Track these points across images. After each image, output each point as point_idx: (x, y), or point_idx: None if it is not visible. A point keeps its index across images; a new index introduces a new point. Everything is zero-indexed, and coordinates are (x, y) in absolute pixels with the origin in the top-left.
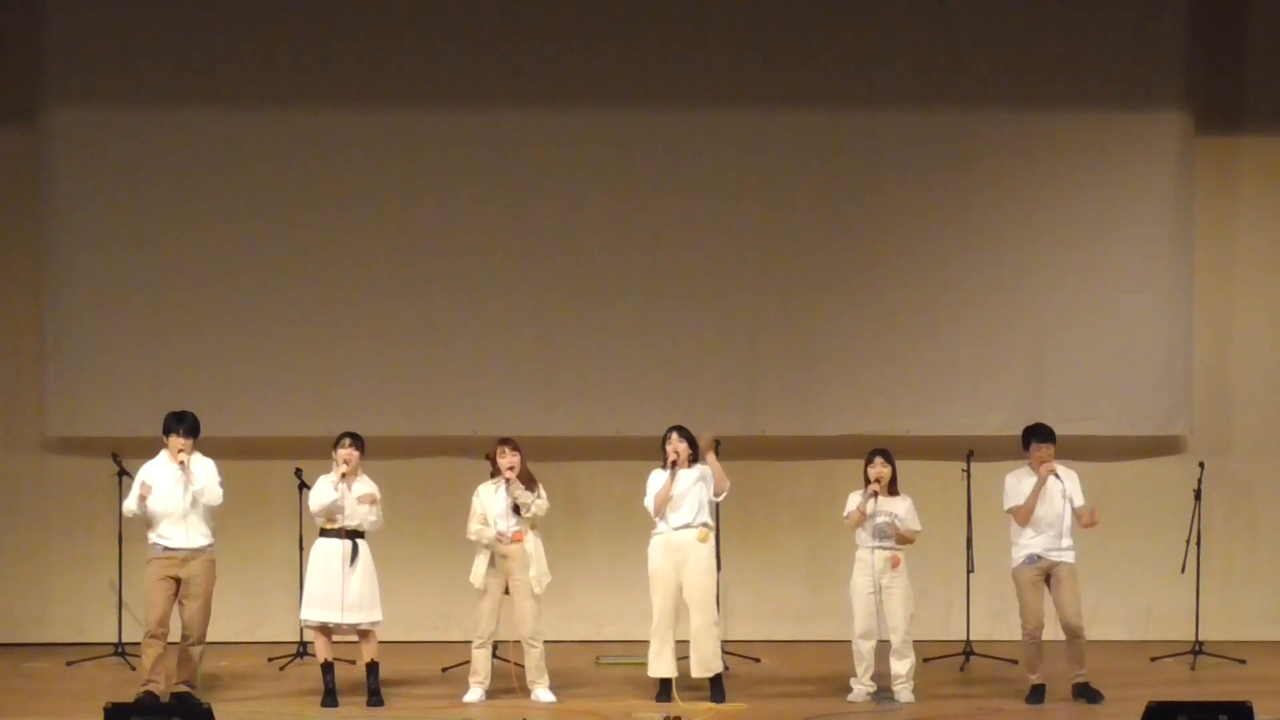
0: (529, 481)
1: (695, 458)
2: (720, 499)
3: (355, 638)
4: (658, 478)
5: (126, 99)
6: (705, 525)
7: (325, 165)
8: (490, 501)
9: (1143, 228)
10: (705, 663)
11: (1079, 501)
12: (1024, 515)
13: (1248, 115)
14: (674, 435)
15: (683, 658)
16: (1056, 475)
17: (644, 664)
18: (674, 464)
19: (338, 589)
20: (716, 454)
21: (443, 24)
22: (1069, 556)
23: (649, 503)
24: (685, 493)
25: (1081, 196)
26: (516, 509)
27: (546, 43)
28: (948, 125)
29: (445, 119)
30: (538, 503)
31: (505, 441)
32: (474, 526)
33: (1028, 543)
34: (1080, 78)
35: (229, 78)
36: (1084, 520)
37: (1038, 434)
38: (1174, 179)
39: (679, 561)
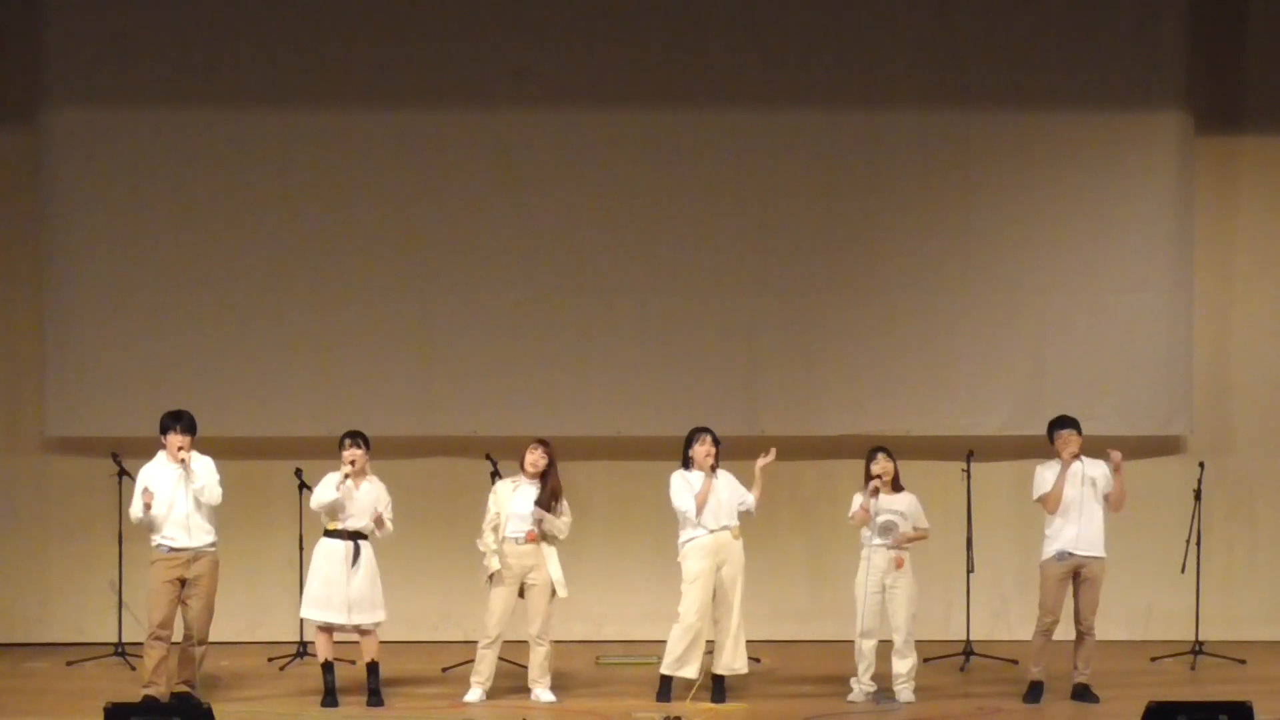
0: (555, 491)
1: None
2: (754, 513)
3: (356, 637)
4: (684, 479)
5: (126, 99)
6: (736, 524)
7: (325, 165)
8: (506, 499)
9: (1143, 228)
10: (735, 662)
11: (1111, 490)
12: (1053, 501)
13: (1248, 115)
14: (708, 439)
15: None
16: (1078, 458)
17: (644, 664)
18: (714, 468)
19: (340, 590)
20: (716, 462)
21: (443, 24)
22: (1098, 551)
23: (686, 505)
24: (722, 494)
25: (1081, 196)
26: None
27: (547, 43)
28: (948, 125)
29: (445, 119)
30: (562, 528)
31: (540, 442)
32: (487, 538)
33: (1059, 536)
34: (1080, 78)
35: (229, 78)
36: (1114, 502)
37: (1060, 423)
38: (1174, 179)
39: (720, 562)
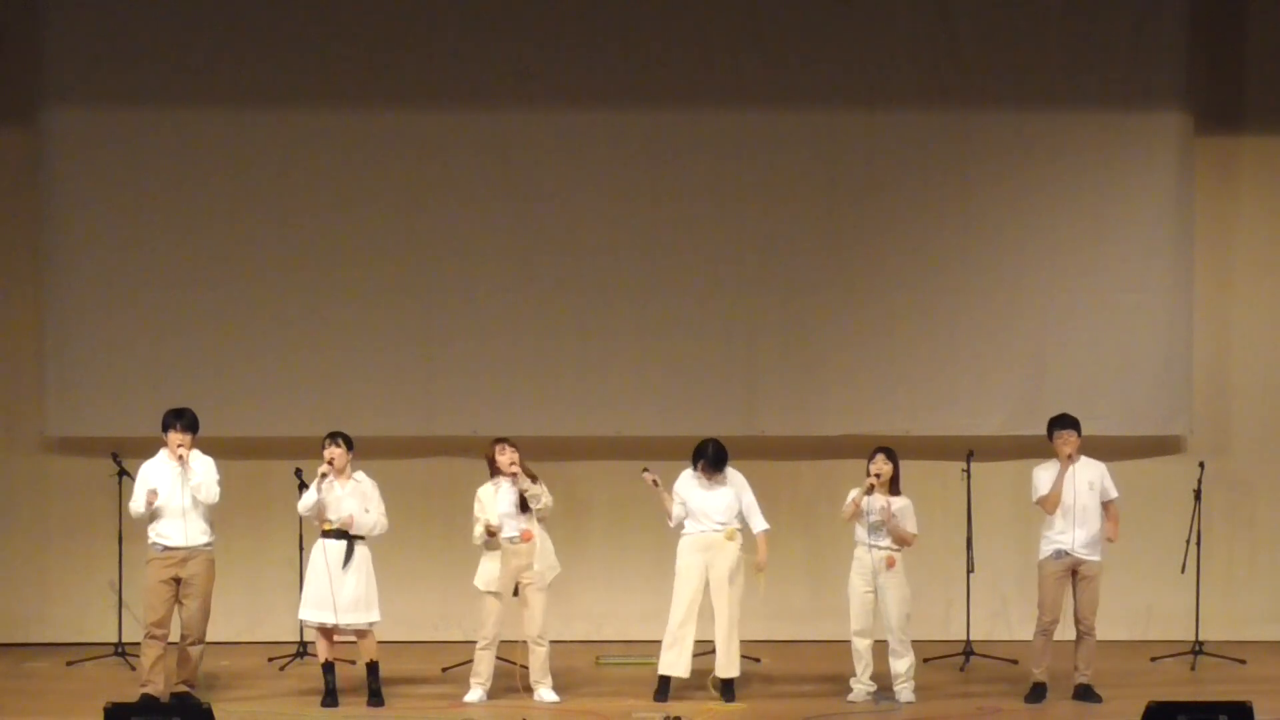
0: (531, 474)
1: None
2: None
3: (354, 638)
4: (690, 480)
5: (126, 99)
6: (734, 525)
7: (325, 165)
8: (491, 503)
9: (1143, 228)
10: (733, 662)
11: (1111, 494)
12: (1051, 503)
13: (1248, 115)
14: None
15: (697, 655)
16: (1071, 457)
17: (644, 664)
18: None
19: (334, 589)
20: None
21: (443, 24)
22: (1096, 554)
23: (677, 513)
24: (720, 499)
25: (1081, 196)
26: (522, 507)
27: (547, 43)
28: (948, 125)
29: (446, 119)
30: (547, 500)
31: (502, 440)
32: (479, 531)
33: (1057, 536)
34: (1080, 78)
35: (229, 78)
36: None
37: (1060, 422)
38: (1174, 179)
39: (708, 560)
